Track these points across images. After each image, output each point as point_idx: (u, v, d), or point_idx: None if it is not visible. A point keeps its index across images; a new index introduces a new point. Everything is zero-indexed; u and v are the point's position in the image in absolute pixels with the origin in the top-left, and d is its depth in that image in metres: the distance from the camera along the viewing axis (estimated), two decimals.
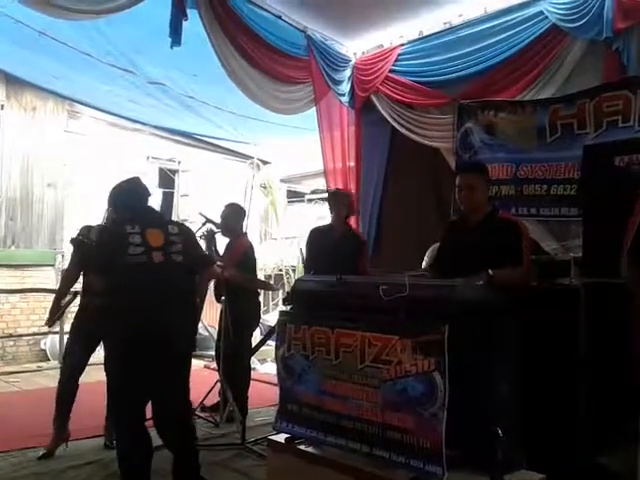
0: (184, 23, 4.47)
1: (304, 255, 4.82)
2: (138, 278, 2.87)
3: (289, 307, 3.31)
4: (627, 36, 3.93)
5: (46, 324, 3.91)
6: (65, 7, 4.16)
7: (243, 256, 4.47)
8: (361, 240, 4.66)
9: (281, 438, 3.11)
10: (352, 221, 5.67)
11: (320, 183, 10.57)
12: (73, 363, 3.78)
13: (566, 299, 3.23)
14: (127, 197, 3.11)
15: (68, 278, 3.83)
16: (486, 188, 3.19)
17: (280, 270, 9.93)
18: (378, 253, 5.40)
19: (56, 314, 3.76)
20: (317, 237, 4.48)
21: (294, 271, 9.54)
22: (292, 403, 3.02)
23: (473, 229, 3.14)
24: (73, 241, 3.81)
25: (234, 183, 9.80)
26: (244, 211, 4.81)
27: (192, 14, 4.53)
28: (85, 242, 3.71)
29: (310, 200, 10.69)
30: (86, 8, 4.28)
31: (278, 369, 3.14)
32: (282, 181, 10.61)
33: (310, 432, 2.91)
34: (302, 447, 2.96)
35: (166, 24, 4.45)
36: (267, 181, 10.00)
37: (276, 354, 3.19)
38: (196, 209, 9.30)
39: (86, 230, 3.79)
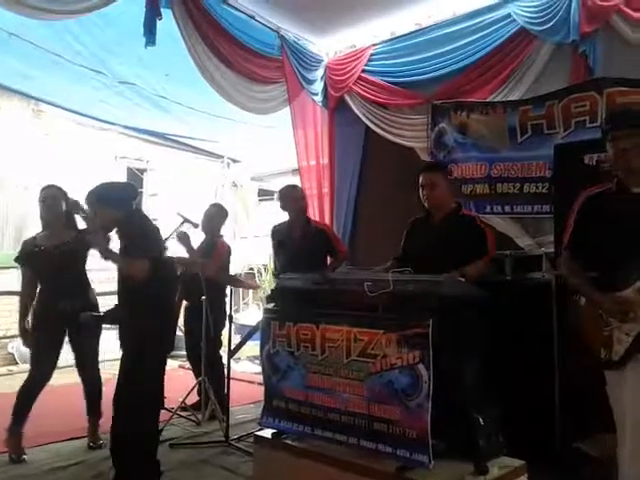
0: (157, 23, 4.45)
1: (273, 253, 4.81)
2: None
3: (272, 305, 3.36)
4: (593, 39, 4.08)
5: (26, 346, 3.85)
6: (37, 7, 4.09)
7: (227, 256, 4.52)
8: (326, 231, 4.56)
9: (267, 434, 3.16)
10: (327, 218, 5.76)
11: (290, 181, 10.63)
12: (40, 376, 3.68)
13: (538, 291, 3.37)
14: (130, 194, 3.16)
15: (25, 296, 3.77)
16: (447, 185, 3.34)
17: (251, 269, 9.92)
18: (353, 250, 5.46)
19: (26, 334, 3.73)
20: (278, 237, 4.48)
21: (265, 269, 9.55)
22: (278, 399, 3.08)
23: (437, 225, 3.27)
24: (18, 259, 3.81)
25: (204, 182, 9.77)
26: (227, 212, 4.84)
27: (165, 13, 4.52)
28: (35, 251, 3.73)
29: None
30: (58, 8, 4.20)
31: (263, 366, 3.19)
32: (253, 179, 10.60)
33: (297, 426, 2.97)
34: (289, 441, 3.02)
35: (137, 24, 4.41)
36: (237, 180, 9.98)
37: (261, 351, 3.24)
38: (165, 209, 9.28)
39: (30, 241, 3.83)
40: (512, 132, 4.36)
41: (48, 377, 3.70)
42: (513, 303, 3.19)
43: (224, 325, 4.36)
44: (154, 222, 3.24)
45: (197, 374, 4.50)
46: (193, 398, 4.45)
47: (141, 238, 3.03)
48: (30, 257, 3.76)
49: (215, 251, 4.49)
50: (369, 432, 2.67)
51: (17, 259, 3.87)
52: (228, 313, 4.06)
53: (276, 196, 4.71)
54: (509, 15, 4.53)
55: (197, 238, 5.28)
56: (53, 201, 3.81)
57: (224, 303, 4.52)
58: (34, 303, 3.77)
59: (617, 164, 2.38)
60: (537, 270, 3.56)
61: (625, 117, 2.47)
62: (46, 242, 3.78)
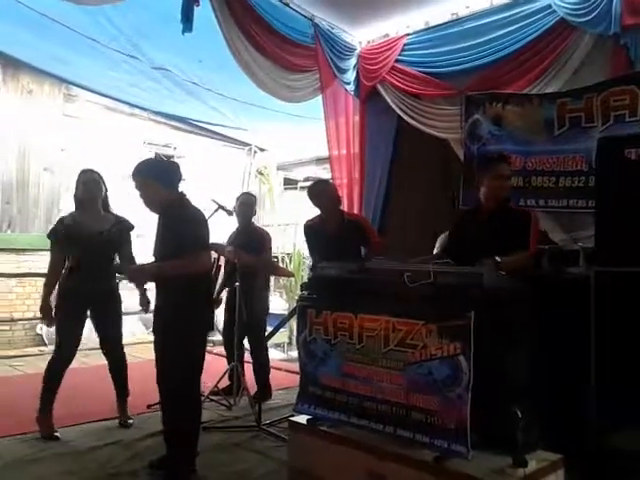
0: (195, 9, 4.47)
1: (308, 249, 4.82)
2: None
3: (306, 293, 3.38)
4: (635, 32, 4.01)
5: (48, 325, 3.89)
6: None
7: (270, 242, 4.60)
8: (361, 223, 4.52)
9: (302, 419, 3.20)
10: (356, 206, 5.76)
11: (313, 171, 10.62)
12: (64, 356, 3.74)
13: (576, 287, 3.34)
14: (178, 174, 3.15)
15: (54, 275, 3.77)
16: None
17: (275, 257, 9.97)
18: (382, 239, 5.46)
19: (49, 312, 3.73)
20: (312, 235, 4.43)
21: (289, 258, 9.59)
22: (314, 386, 3.10)
23: (487, 219, 3.26)
24: (53, 235, 3.80)
25: (230, 169, 9.81)
26: (256, 201, 4.90)
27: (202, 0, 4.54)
28: (76, 232, 3.72)
29: (303, 188, 10.73)
30: None
31: (299, 353, 3.23)
32: (278, 168, 10.62)
33: (332, 414, 3.00)
34: (324, 428, 3.06)
35: (172, 9, 4.45)
36: (264, 168, 10.01)
37: (297, 339, 3.27)
38: (193, 195, 9.36)
39: (69, 220, 3.81)
40: (549, 125, 4.31)
41: (71, 357, 3.76)
42: (551, 297, 3.17)
43: (267, 313, 4.45)
44: (200, 209, 3.18)
45: (229, 359, 4.57)
46: (224, 382, 4.51)
47: (198, 227, 3.01)
48: (69, 237, 3.74)
49: (263, 241, 4.53)
50: (406, 421, 2.68)
51: (52, 235, 3.82)
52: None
53: (306, 184, 4.71)
54: (549, 6, 4.47)
55: (227, 225, 5.37)
56: (94, 184, 3.83)
57: (268, 291, 4.59)
58: (59, 282, 3.78)
59: None
60: (573, 265, 3.53)
61: None
62: (88, 225, 3.78)
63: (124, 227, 3.94)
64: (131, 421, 3.93)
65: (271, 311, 4.99)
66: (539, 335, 3.00)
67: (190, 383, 3.08)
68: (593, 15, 4.20)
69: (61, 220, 3.91)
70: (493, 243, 3.00)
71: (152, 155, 9.29)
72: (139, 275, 3.17)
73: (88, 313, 3.85)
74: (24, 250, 7.86)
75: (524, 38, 4.60)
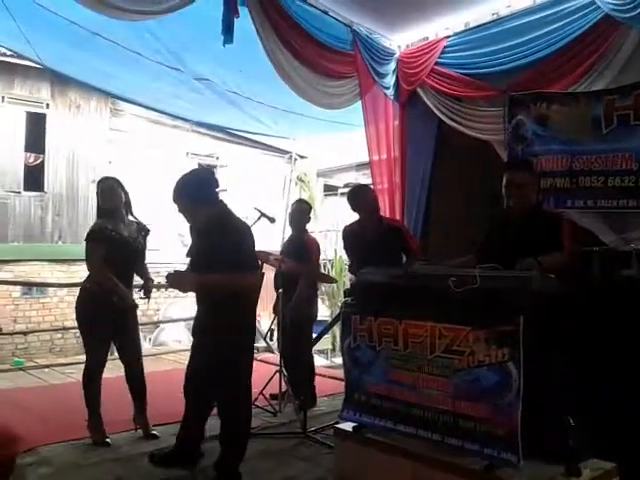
0: (235, 21, 4.54)
1: (346, 253, 4.81)
2: None
3: (350, 299, 3.38)
4: None
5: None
6: (120, 7, 4.26)
7: (319, 253, 4.63)
8: (399, 228, 4.51)
9: (347, 427, 3.19)
10: (397, 211, 5.72)
11: (353, 177, 10.63)
12: (95, 366, 3.78)
13: (629, 290, 3.24)
14: (215, 183, 3.17)
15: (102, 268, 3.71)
16: (534, 184, 3.28)
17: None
18: (424, 245, 5.41)
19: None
20: (351, 239, 4.41)
21: (331, 264, 9.62)
22: (359, 393, 3.09)
23: (518, 223, 3.21)
24: (95, 236, 3.73)
25: (271, 177, 9.93)
26: (311, 209, 4.96)
27: (241, 11, 4.60)
28: (112, 235, 3.70)
29: (343, 194, 10.76)
30: (140, 9, 4.37)
31: (344, 360, 3.22)
32: (318, 175, 10.69)
33: (378, 421, 2.98)
34: (371, 435, 3.04)
35: (213, 21, 4.53)
36: (304, 175, 10.08)
37: (341, 345, 3.27)
38: (236, 204, 9.50)
39: (103, 224, 3.77)
40: (596, 123, 4.19)
41: (104, 362, 3.82)
42: (602, 301, 3.07)
43: (314, 319, 4.48)
44: (244, 222, 3.19)
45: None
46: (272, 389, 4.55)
47: (243, 240, 3.03)
48: (108, 240, 3.70)
49: (310, 251, 4.57)
50: (454, 429, 2.64)
51: (92, 235, 3.75)
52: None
53: (346, 196, 4.68)
54: (593, 2, 4.34)
55: (270, 232, 5.42)
56: (110, 192, 3.82)
57: (316, 298, 4.65)
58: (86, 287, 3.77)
59: None
60: (626, 267, 3.42)
61: None
62: (120, 231, 3.77)
63: (146, 233, 3.98)
64: (155, 431, 3.92)
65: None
66: (591, 340, 2.92)
67: (236, 387, 3.10)
68: (639, 10, 4.07)
69: (97, 223, 3.85)
70: (521, 247, 2.95)
71: (195, 165, 9.51)
72: (180, 282, 3.12)
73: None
74: (74, 260, 8.12)
75: (568, 36, 4.48)
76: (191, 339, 3.41)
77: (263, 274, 4.60)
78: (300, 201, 5.12)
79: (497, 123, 4.85)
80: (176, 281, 3.09)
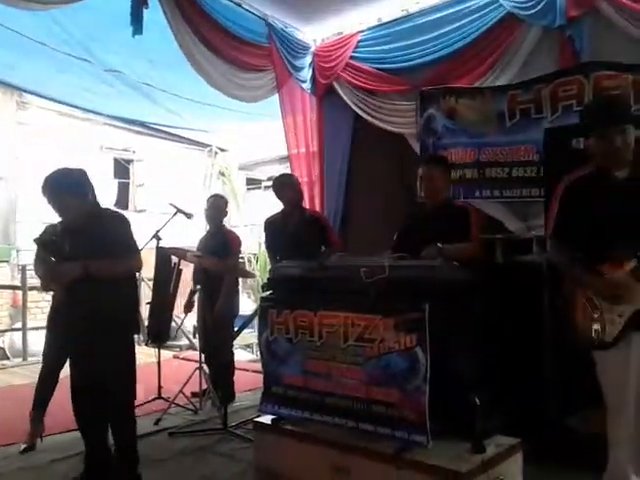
0: (145, 12, 4.42)
1: (266, 246, 4.82)
2: None
3: (268, 293, 3.39)
4: (579, 23, 4.11)
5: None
6: None
7: (239, 246, 4.58)
8: (321, 220, 4.58)
9: (266, 420, 3.21)
10: (317, 205, 5.78)
11: (276, 169, 10.62)
12: (52, 360, 3.68)
13: (529, 274, 3.43)
14: (89, 181, 3.04)
15: None
16: (446, 179, 3.40)
17: (241, 257, 9.94)
18: (344, 237, 5.49)
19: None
20: (273, 229, 4.44)
21: (255, 258, 9.57)
22: (277, 385, 3.11)
23: (431, 218, 3.34)
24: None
25: (191, 171, 9.75)
26: (227, 203, 4.86)
27: (151, 1, 4.49)
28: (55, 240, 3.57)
29: (267, 187, 10.73)
30: None
31: (261, 353, 3.23)
32: (240, 168, 10.59)
33: (296, 412, 3.01)
34: (289, 426, 3.07)
35: (123, 10, 4.40)
36: (225, 168, 9.96)
37: (259, 339, 3.28)
38: (153, 199, 9.26)
39: (52, 228, 3.65)
40: (501, 117, 4.39)
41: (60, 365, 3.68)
42: (505, 286, 3.24)
43: (235, 315, 4.44)
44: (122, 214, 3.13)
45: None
46: (193, 387, 4.49)
47: (124, 230, 2.97)
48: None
49: (232, 246, 4.50)
50: (368, 415, 2.72)
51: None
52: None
53: (270, 184, 4.70)
54: (496, 0, 4.54)
55: (189, 228, 5.34)
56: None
57: (236, 294, 4.63)
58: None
59: (606, 158, 2.40)
60: (528, 253, 3.62)
61: (615, 113, 2.42)
62: None
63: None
64: None
65: (240, 312, 4.97)
66: (495, 323, 3.07)
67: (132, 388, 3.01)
68: (538, 8, 4.29)
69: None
70: (434, 240, 3.07)
71: (110, 160, 9.20)
72: (61, 272, 2.98)
73: None
74: None
75: (474, 32, 4.66)
76: None
77: (181, 270, 4.57)
78: (215, 196, 5.05)
79: (410, 117, 4.98)
80: (57, 272, 2.98)
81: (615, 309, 2.33)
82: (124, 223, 3.02)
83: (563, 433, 2.99)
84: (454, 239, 3.09)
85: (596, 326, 2.37)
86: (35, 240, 3.62)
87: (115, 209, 3.20)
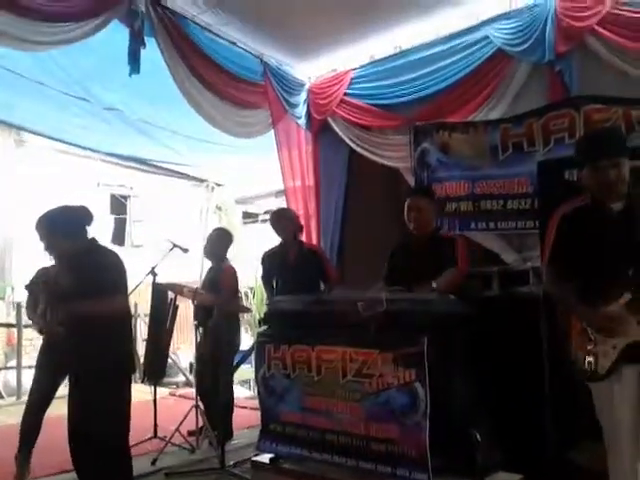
0: (142, 51, 4.51)
1: (263, 280, 4.79)
2: None
3: (265, 328, 3.38)
4: (568, 58, 4.20)
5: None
6: (20, 38, 4.12)
7: (235, 282, 4.53)
8: (318, 254, 4.59)
9: (265, 458, 3.16)
10: (314, 239, 5.80)
11: (273, 203, 10.67)
12: (38, 399, 3.68)
13: (526, 305, 3.42)
14: (84, 220, 3.01)
15: None
16: (432, 210, 3.43)
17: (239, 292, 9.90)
18: (341, 271, 5.49)
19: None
20: (272, 262, 4.43)
21: (252, 292, 9.53)
22: (275, 423, 3.09)
23: (416, 248, 3.36)
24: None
25: (188, 206, 9.78)
26: (231, 236, 4.81)
27: (149, 41, 4.58)
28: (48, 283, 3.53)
29: (264, 221, 10.76)
30: (41, 39, 4.23)
31: (259, 390, 3.21)
32: (237, 202, 10.63)
33: (294, 450, 2.98)
34: (287, 465, 3.02)
35: (121, 50, 4.47)
36: (222, 203, 10.00)
37: (256, 375, 3.26)
38: (151, 234, 9.27)
39: (42, 271, 3.57)
40: (493, 150, 4.45)
41: (48, 397, 3.68)
42: (502, 318, 3.23)
43: (235, 351, 4.40)
44: (115, 252, 3.04)
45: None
46: (189, 425, 4.42)
47: (109, 272, 2.87)
48: None
49: (224, 280, 4.42)
50: (367, 453, 2.69)
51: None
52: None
53: (267, 217, 4.71)
54: (487, 37, 4.64)
55: (185, 262, 5.33)
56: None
57: (238, 328, 4.59)
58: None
59: (600, 191, 2.41)
60: (524, 284, 3.62)
61: (609, 146, 2.43)
62: None
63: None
64: None
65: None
66: (493, 355, 3.06)
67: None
68: (528, 44, 4.39)
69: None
70: (422, 271, 3.08)
71: (107, 196, 9.25)
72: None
73: None
74: None
75: (465, 68, 4.75)
76: None
77: (177, 306, 4.54)
78: (218, 230, 5.04)
79: (404, 151, 5.03)
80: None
81: (609, 341, 2.32)
82: (112, 260, 2.95)
83: (565, 467, 2.94)
84: (442, 270, 3.09)
85: (590, 358, 2.36)
86: (25, 287, 3.66)
87: (109, 245, 3.16)
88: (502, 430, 2.81)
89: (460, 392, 2.68)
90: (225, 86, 5.15)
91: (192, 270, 7.75)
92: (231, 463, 3.76)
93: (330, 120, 5.68)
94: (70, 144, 7.46)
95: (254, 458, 3.27)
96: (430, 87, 4.95)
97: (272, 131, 5.73)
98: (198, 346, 4.42)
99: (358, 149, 5.41)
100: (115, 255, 2.98)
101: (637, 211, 2.38)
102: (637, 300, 2.26)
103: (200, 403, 4.36)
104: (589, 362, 2.36)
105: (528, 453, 2.97)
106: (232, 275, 4.55)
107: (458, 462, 2.61)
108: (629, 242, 2.34)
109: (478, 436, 2.64)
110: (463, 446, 2.60)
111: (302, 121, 5.84)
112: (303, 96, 5.88)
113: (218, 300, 4.14)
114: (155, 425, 4.36)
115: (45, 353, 3.78)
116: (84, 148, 7.58)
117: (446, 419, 2.58)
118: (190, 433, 4.38)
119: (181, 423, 4.26)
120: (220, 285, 4.35)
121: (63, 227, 2.90)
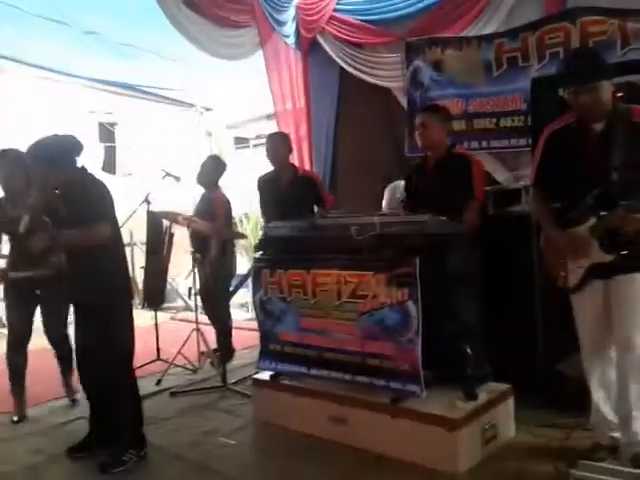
0: None
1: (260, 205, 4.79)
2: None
3: (261, 253, 3.43)
4: None
5: None
6: None
7: (228, 210, 4.54)
8: (313, 179, 4.52)
9: (265, 376, 3.30)
10: (306, 162, 5.75)
11: (265, 127, 10.48)
12: (18, 333, 3.65)
13: (519, 224, 3.46)
14: (75, 148, 2.96)
15: None
16: (442, 126, 3.35)
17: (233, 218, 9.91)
18: (334, 193, 5.49)
19: None
20: (266, 187, 4.40)
21: (246, 218, 9.55)
22: (273, 343, 3.20)
23: (432, 168, 3.33)
24: None
25: (178, 132, 9.58)
26: (224, 164, 4.75)
27: None
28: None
29: (255, 145, 10.60)
30: None
31: (257, 313, 3.30)
32: (228, 127, 10.43)
33: (293, 367, 3.11)
34: (287, 382, 3.16)
35: None
36: (212, 128, 9.82)
37: (253, 300, 3.34)
38: (140, 162, 9.16)
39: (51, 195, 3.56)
40: (487, 66, 4.36)
41: (26, 334, 3.67)
42: (496, 237, 3.27)
43: (231, 276, 4.48)
44: (102, 181, 2.99)
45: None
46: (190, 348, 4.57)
47: (98, 201, 2.86)
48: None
49: (216, 209, 4.39)
50: (363, 368, 2.81)
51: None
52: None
53: (259, 142, 4.65)
54: None
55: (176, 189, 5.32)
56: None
57: (234, 253, 4.65)
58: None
59: (581, 112, 2.41)
60: (517, 203, 3.64)
61: (583, 71, 2.38)
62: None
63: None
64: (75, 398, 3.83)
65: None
66: (486, 274, 3.12)
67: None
68: None
69: None
70: (439, 191, 3.08)
71: (95, 124, 9.04)
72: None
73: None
74: None
75: None
76: None
77: (173, 234, 4.57)
78: (210, 157, 4.98)
79: (396, 69, 4.92)
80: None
81: (576, 262, 2.44)
82: (98, 189, 2.92)
83: (554, 378, 3.08)
84: (458, 192, 3.08)
85: (563, 273, 2.50)
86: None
87: (101, 174, 3.13)
88: (494, 344, 2.93)
89: (452, 309, 2.76)
90: (209, 4, 4.96)
91: (184, 197, 7.71)
92: (232, 381, 3.93)
93: (320, 38, 5.48)
94: (50, 71, 7.23)
95: (255, 376, 3.41)
96: (423, 1, 4.76)
97: (261, 52, 5.58)
98: (200, 274, 4.48)
99: (349, 68, 5.26)
100: (103, 185, 2.97)
101: (615, 131, 2.37)
102: (600, 224, 2.33)
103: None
104: (562, 276, 2.50)
105: (518, 365, 3.10)
106: (225, 202, 4.55)
107: (450, 375, 2.73)
108: (602, 164, 2.34)
109: (469, 350, 2.74)
110: (455, 360, 2.71)
111: (291, 40, 5.64)
112: (291, 13, 5.65)
113: (213, 228, 4.16)
114: (158, 348, 4.50)
115: (11, 290, 3.67)
116: (65, 74, 7.35)
117: (439, 335, 2.68)
118: (202, 354, 4.53)
119: (183, 345, 4.40)
120: (214, 212, 4.36)
121: (53, 156, 2.85)
